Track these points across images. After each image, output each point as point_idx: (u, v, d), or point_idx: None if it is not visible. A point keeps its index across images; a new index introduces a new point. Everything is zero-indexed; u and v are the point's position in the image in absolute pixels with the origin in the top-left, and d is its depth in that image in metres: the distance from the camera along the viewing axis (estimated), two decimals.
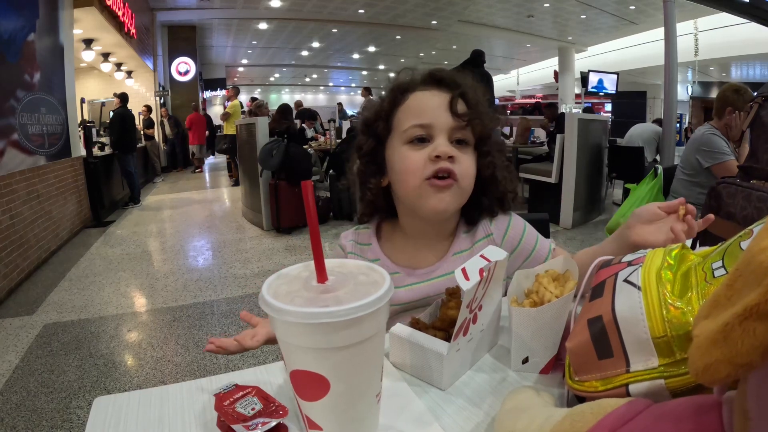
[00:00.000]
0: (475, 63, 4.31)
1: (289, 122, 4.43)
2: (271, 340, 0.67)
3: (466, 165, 0.68)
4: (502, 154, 0.74)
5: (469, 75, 0.74)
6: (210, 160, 10.42)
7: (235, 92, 7.85)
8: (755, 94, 1.32)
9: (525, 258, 0.76)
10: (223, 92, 12.37)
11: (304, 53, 15.08)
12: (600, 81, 8.33)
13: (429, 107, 0.68)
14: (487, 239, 0.75)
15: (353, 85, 21.23)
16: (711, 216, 0.62)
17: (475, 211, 0.75)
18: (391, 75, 0.80)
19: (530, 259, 0.76)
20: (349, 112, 10.80)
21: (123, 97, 5.76)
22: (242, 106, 7.78)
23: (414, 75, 0.73)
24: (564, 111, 9.18)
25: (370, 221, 0.79)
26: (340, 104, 12.37)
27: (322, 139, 5.94)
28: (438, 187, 0.66)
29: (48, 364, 2.05)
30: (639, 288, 0.38)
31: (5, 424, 1.64)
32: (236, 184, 7.07)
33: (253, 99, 8.02)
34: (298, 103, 8.53)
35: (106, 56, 7.55)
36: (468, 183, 0.69)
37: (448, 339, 0.51)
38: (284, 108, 4.73)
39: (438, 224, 0.73)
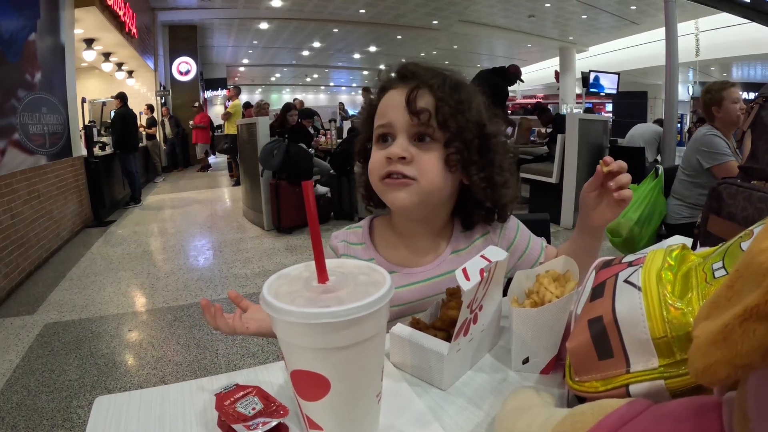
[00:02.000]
0: (499, 72, 4.32)
1: (284, 118, 4.42)
2: (262, 333, 0.64)
3: (423, 164, 0.65)
4: (503, 157, 0.70)
5: (454, 72, 0.70)
6: (210, 159, 10.43)
7: (236, 92, 7.84)
8: (756, 95, 1.32)
9: (519, 256, 0.76)
10: (224, 92, 12.37)
11: (305, 53, 15.07)
12: (596, 78, 8.32)
13: (391, 106, 0.67)
14: (485, 237, 0.75)
15: (354, 85, 21.22)
16: (607, 158, 0.62)
17: (469, 219, 0.75)
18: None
19: (524, 257, 0.76)
20: (351, 112, 10.80)
21: (122, 97, 5.76)
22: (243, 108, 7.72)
23: (392, 72, 0.72)
24: (565, 111, 9.18)
25: (374, 208, 0.79)
26: (341, 104, 12.37)
27: (322, 139, 5.94)
28: (392, 185, 0.66)
29: (49, 363, 2.05)
30: (639, 288, 0.38)
31: (6, 423, 1.64)
32: (237, 184, 7.07)
33: (247, 105, 7.88)
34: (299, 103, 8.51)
35: (107, 56, 7.56)
36: (429, 180, 0.65)
37: (448, 339, 0.51)
38: (286, 106, 4.72)
39: (423, 221, 0.72)
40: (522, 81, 4.47)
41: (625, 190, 0.63)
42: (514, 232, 0.76)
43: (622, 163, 0.62)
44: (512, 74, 4.36)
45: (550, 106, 7.71)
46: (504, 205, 0.72)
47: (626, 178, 0.63)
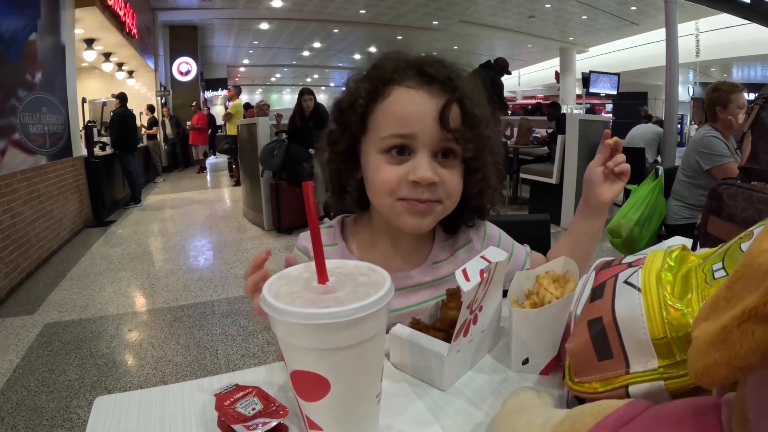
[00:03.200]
0: (487, 67, 4.32)
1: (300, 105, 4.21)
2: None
3: (451, 186, 0.60)
4: (494, 159, 0.66)
5: (471, 73, 0.66)
6: (211, 159, 10.43)
7: (237, 92, 7.82)
8: (756, 95, 1.32)
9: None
10: (225, 92, 12.37)
11: (306, 53, 15.09)
12: (595, 77, 8.36)
13: (414, 114, 0.57)
14: (467, 246, 0.72)
15: None
16: (607, 132, 0.68)
17: (455, 222, 0.71)
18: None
19: (510, 263, 0.73)
20: None
21: (122, 97, 5.76)
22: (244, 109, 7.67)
23: (399, 63, 0.60)
24: (565, 112, 9.19)
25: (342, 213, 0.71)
26: None
27: None
28: (415, 211, 0.59)
29: (48, 363, 2.05)
30: (639, 289, 0.38)
31: (6, 423, 1.64)
32: (237, 184, 7.07)
33: (248, 106, 7.83)
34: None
35: (107, 56, 7.57)
36: (452, 202, 0.62)
37: (448, 340, 0.51)
38: (300, 91, 4.49)
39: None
40: (509, 73, 4.51)
41: (624, 164, 0.67)
42: (497, 239, 0.75)
43: (617, 139, 0.67)
44: (500, 67, 4.40)
45: None
46: (492, 204, 0.70)
47: (622, 156, 0.67)
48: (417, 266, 0.69)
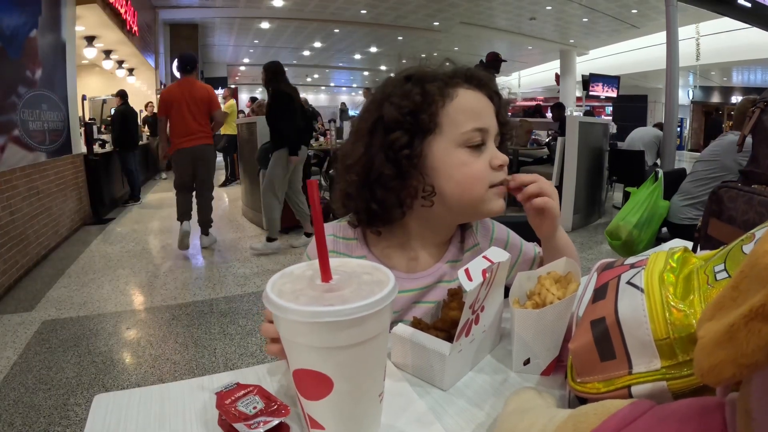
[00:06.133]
0: (482, 65, 4.35)
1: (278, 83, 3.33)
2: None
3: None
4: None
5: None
6: None
7: (231, 92, 7.97)
8: (758, 98, 1.32)
9: (515, 259, 0.76)
10: (223, 91, 12.40)
11: (306, 53, 15.09)
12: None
13: (485, 110, 0.64)
14: (474, 249, 0.73)
15: (354, 85, 21.25)
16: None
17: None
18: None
19: (519, 259, 0.76)
20: (351, 113, 10.78)
21: (123, 95, 5.76)
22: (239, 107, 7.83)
23: (445, 68, 0.67)
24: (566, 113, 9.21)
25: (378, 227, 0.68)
26: (343, 104, 12.40)
27: (322, 139, 5.94)
28: (503, 193, 0.65)
29: (46, 360, 2.05)
30: (642, 290, 0.38)
31: (3, 420, 1.64)
32: (229, 183, 7.14)
33: (252, 99, 8.02)
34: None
35: (107, 53, 7.57)
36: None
37: (449, 339, 0.51)
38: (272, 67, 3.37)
39: (448, 228, 0.71)
40: (504, 60, 4.55)
41: (538, 198, 0.64)
42: (505, 238, 0.77)
43: (524, 178, 0.65)
44: (491, 61, 4.43)
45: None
46: None
47: (533, 187, 0.64)
48: (432, 265, 0.71)
